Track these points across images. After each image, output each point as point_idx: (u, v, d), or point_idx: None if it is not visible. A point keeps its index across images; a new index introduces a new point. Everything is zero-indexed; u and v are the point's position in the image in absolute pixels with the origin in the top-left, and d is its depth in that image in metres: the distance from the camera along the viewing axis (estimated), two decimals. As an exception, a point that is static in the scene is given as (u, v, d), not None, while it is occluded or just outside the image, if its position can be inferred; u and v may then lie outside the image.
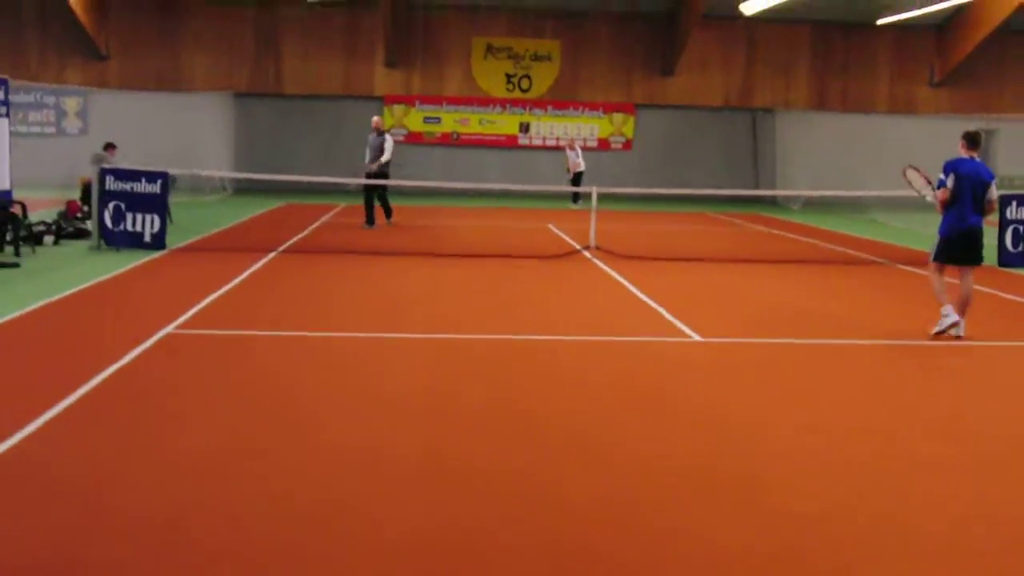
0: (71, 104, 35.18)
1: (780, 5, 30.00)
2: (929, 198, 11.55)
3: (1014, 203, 17.70)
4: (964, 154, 10.95)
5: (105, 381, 8.02)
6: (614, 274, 15.18)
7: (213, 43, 34.62)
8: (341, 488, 5.79)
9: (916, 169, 12.15)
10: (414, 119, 35.04)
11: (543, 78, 35.23)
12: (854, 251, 19.58)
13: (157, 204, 16.79)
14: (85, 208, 19.37)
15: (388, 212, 21.96)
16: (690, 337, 10.56)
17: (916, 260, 17.38)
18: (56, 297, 11.93)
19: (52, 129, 35.18)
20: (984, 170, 10.90)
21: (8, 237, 15.82)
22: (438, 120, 35.21)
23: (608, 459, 6.38)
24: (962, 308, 10.87)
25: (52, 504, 5.44)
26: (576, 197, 30.81)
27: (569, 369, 9.03)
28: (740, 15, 32.73)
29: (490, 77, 35.13)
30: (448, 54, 35.05)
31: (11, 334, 9.97)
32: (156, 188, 16.81)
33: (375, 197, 21.48)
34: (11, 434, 6.55)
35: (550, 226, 23.41)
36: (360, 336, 10.31)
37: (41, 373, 8.37)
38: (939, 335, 10.72)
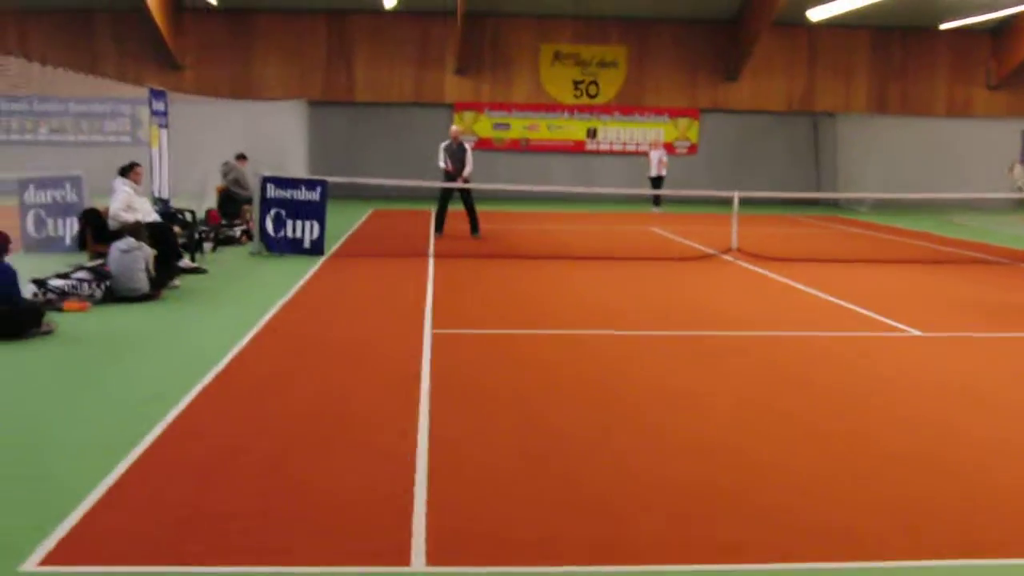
0: (146, 113, 35.76)
1: (842, 11, 30.64)
2: None
3: None
4: None
5: (439, 378, 8.67)
6: (774, 275, 15.84)
7: (285, 52, 35.25)
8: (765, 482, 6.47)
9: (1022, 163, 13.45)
10: (484, 125, 35.68)
11: (610, 84, 35.89)
12: (968, 252, 20.20)
13: (316, 211, 17.43)
14: (223, 219, 19.96)
15: (476, 225, 21.06)
16: (908, 332, 11.22)
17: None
18: (283, 301, 12.56)
19: (128, 138, 35.77)
20: None
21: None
22: (507, 126, 35.86)
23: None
24: None
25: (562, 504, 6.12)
26: (657, 200, 31.43)
27: (837, 368, 9.71)
28: (806, 21, 33.39)
29: (558, 83, 35.79)
30: (517, 61, 35.70)
31: (292, 338, 10.62)
32: (315, 195, 17.48)
33: (449, 204, 21.03)
34: (417, 426, 7.22)
35: (655, 229, 24.07)
36: (613, 334, 10.98)
37: (366, 376, 9.02)
38: None
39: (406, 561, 4.95)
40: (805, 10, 32.12)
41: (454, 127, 22.51)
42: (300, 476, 6.18)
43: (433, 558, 4.98)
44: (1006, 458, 6.74)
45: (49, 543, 5.08)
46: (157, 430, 7.00)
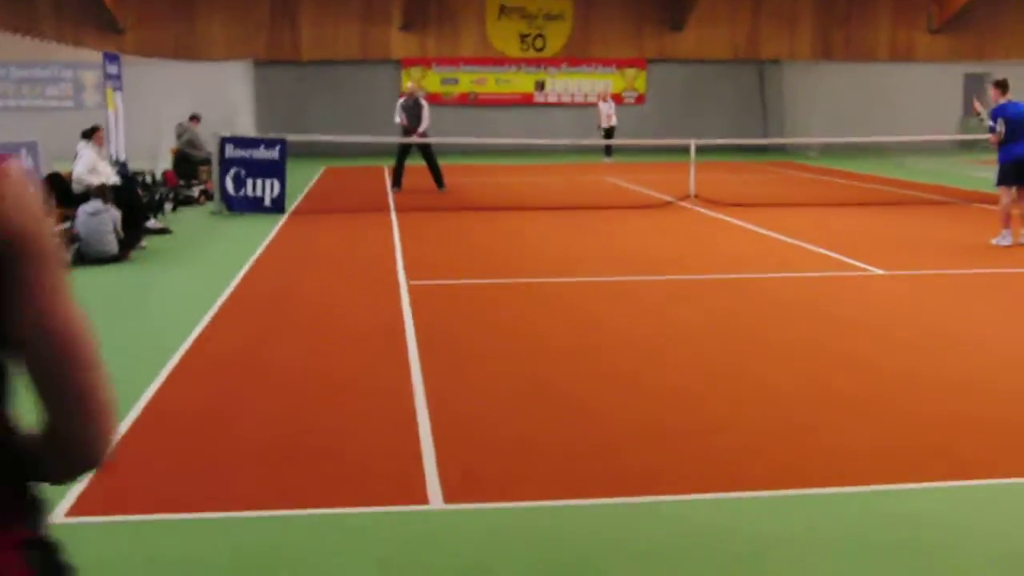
0: (89, 78, 35.24)
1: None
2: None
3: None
4: (1001, 99, 13.32)
5: (422, 329, 8.79)
6: (734, 220, 16.08)
7: (229, 12, 34.87)
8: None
9: (978, 100, 14.68)
10: (432, 81, 35.55)
11: (556, 37, 35.91)
12: (920, 193, 20.59)
13: (276, 169, 17.41)
14: (180, 180, 19.83)
15: (440, 179, 21.01)
16: (871, 271, 11.50)
17: (982, 199, 18.39)
18: (252, 259, 12.58)
19: (71, 103, 35.19)
20: (1023, 107, 13.28)
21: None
22: (455, 81, 35.80)
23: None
24: (1022, 220, 13.31)
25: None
26: (609, 150, 31.58)
27: (819, 303, 9.96)
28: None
29: (504, 37, 35.76)
30: (463, 16, 35.59)
31: (269, 296, 10.68)
32: (275, 154, 17.46)
33: (405, 159, 21.20)
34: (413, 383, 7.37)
35: (610, 179, 24.26)
36: (580, 280, 11.17)
37: (352, 330, 9.12)
38: (996, 246, 13.12)
39: (424, 500, 5.10)
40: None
41: (410, 84, 22.65)
42: (303, 429, 6.28)
43: (449, 496, 5.14)
44: (980, 392, 7.01)
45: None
46: (152, 388, 7.06)
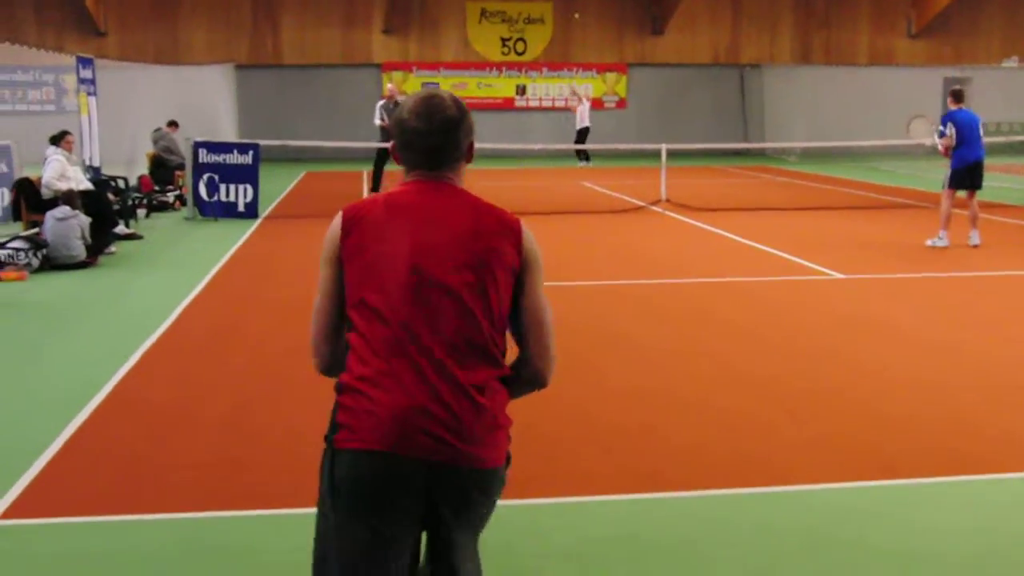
0: (71, 82, 35.29)
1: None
2: (929, 143, 14.00)
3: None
4: (953, 107, 13.84)
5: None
6: (702, 224, 16.23)
7: (210, 15, 34.94)
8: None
9: (923, 117, 14.74)
10: (413, 85, 35.63)
11: (537, 40, 36.07)
12: (892, 197, 20.76)
13: (250, 174, 17.51)
14: (156, 185, 19.90)
15: None
16: (831, 275, 11.67)
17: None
18: (221, 264, 12.70)
19: (52, 107, 35.28)
20: (974, 115, 13.81)
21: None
22: (436, 86, 35.78)
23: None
24: (973, 222, 13.77)
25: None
26: (586, 155, 31.68)
27: (799, 306, 10.11)
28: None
29: (486, 41, 35.89)
30: (444, 19, 35.71)
31: (234, 298, 10.79)
32: (248, 159, 17.55)
33: (384, 164, 21.35)
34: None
35: (586, 183, 24.39)
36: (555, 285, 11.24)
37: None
38: (932, 248, 13.60)
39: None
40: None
41: (390, 85, 22.76)
42: (258, 427, 6.42)
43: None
44: (917, 390, 7.16)
45: (5, 500, 5.29)
46: (106, 389, 7.19)
